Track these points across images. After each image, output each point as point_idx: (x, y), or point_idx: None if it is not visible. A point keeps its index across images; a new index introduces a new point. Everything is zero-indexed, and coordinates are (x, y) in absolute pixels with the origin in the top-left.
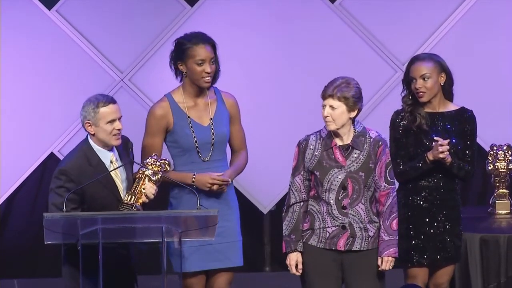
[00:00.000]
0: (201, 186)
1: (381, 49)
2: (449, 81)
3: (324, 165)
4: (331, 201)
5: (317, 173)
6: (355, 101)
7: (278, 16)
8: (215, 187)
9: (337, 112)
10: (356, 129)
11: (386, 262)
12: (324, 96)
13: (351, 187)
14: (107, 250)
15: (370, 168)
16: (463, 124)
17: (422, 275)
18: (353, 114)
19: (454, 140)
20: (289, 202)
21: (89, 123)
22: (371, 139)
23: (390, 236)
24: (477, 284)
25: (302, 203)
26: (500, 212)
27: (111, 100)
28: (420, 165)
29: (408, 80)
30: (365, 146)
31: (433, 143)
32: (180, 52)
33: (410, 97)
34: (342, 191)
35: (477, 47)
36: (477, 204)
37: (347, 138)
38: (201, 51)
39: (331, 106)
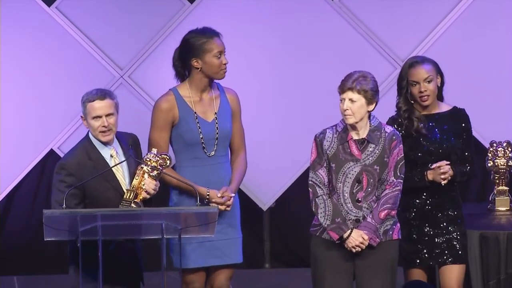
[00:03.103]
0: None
1: (380, 46)
2: (442, 82)
3: (340, 158)
4: (346, 194)
5: (333, 165)
6: (373, 94)
7: (278, 12)
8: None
9: (356, 105)
10: (372, 124)
11: (355, 237)
12: (343, 90)
13: (366, 180)
14: (114, 246)
15: (385, 162)
16: (459, 123)
17: (422, 278)
18: (371, 107)
19: (452, 139)
20: (315, 195)
21: (82, 117)
22: (386, 134)
23: (373, 221)
24: (477, 281)
25: (327, 196)
26: (499, 209)
27: (100, 96)
28: (417, 180)
29: (403, 85)
30: (381, 140)
31: (432, 164)
32: (194, 48)
33: (405, 102)
34: (356, 184)
35: (476, 44)
36: (477, 201)
37: (363, 132)
38: (218, 44)
39: (350, 99)
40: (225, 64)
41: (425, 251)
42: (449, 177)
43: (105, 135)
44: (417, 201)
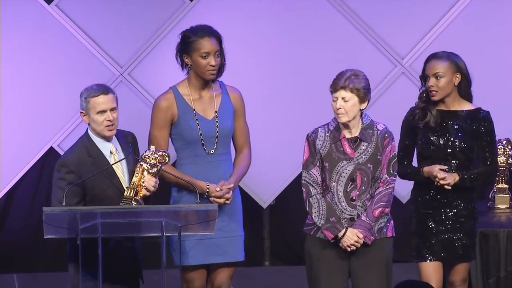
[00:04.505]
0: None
1: (380, 43)
2: (465, 81)
3: (333, 157)
4: (340, 193)
5: (326, 165)
6: (365, 92)
7: (277, 10)
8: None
9: (349, 104)
10: (364, 122)
11: (350, 236)
12: (336, 89)
13: (360, 179)
14: (113, 244)
15: (378, 160)
16: (476, 124)
17: (434, 273)
18: (363, 106)
19: (462, 138)
20: (309, 195)
21: (83, 112)
22: (379, 131)
23: (367, 219)
24: (477, 278)
25: (321, 195)
26: (499, 206)
27: (103, 91)
28: (410, 171)
29: (422, 77)
30: (373, 138)
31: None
32: (186, 45)
33: (425, 94)
34: (350, 183)
35: (477, 41)
36: (477, 199)
37: (355, 130)
38: (206, 44)
39: (343, 98)
40: (212, 65)
41: (429, 246)
42: (449, 186)
43: (110, 129)
44: (426, 196)
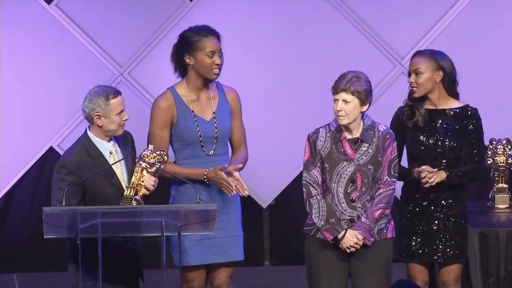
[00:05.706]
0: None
1: (380, 43)
2: (449, 80)
3: (333, 157)
4: (340, 194)
5: (327, 165)
6: (366, 95)
7: (277, 10)
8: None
9: (350, 106)
10: (365, 123)
11: (349, 237)
12: (337, 91)
13: (360, 180)
14: (114, 243)
15: (378, 161)
16: (464, 122)
17: (421, 273)
18: (364, 108)
19: (451, 137)
20: (309, 195)
21: (98, 115)
22: (380, 133)
23: (367, 221)
24: (476, 278)
25: (321, 196)
26: (499, 206)
27: (118, 91)
28: (410, 171)
29: (409, 74)
30: (374, 139)
31: (421, 168)
32: (188, 45)
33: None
34: (351, 184)
35: (475, 41)
36: (477, 199)
37: (356, 131)
38: (211, 43)
39: (344, 100)
40: (217, 64)
41: (419, 246)
42: (432, 183)
43: (123, 128)
44: (416, 195)
